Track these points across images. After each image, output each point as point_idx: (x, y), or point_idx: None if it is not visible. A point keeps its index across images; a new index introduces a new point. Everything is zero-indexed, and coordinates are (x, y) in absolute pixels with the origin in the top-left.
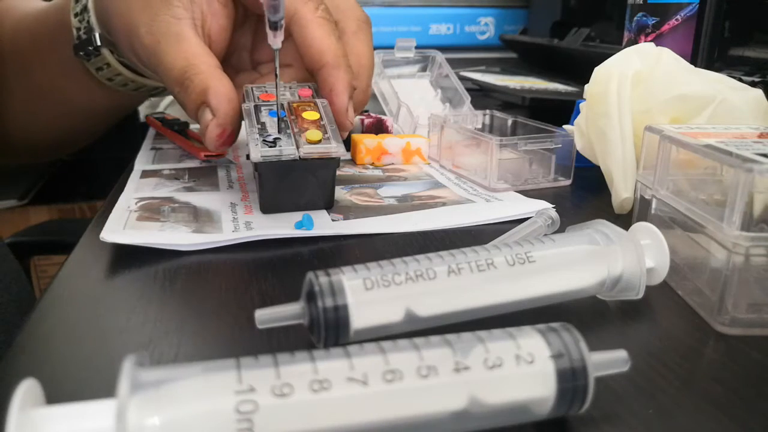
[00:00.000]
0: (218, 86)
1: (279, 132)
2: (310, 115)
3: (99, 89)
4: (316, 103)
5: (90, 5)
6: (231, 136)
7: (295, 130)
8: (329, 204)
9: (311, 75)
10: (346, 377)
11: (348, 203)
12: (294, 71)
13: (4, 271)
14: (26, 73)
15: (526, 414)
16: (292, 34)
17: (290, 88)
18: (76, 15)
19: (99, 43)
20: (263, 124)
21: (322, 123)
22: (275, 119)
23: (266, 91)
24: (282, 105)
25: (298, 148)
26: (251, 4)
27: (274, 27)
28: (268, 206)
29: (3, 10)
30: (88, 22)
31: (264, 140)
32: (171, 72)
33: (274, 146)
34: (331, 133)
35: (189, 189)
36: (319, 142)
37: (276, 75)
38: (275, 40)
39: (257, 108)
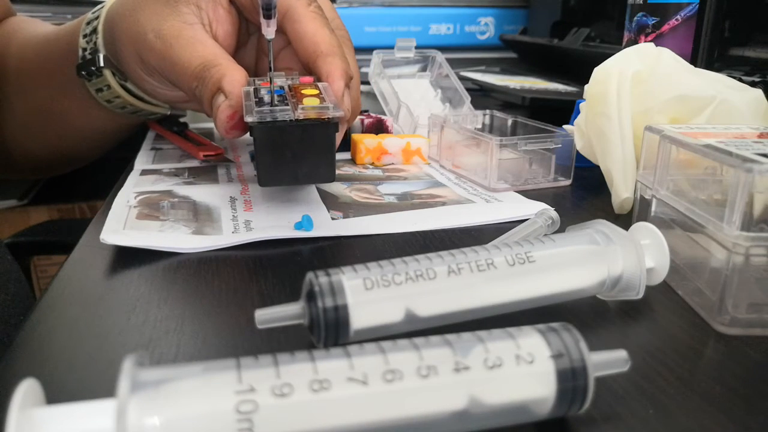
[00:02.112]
0: (234, 74)
1: (274, 102)
2: (310, 91)
3: (98, 111)
4: (316, 85)
5: (100, 28)
6: (242, 121)
7: (293, 101)
8: (330, 176)
9: (307, 70)
10: (346, 377)
11: (348, 200)
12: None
13: (1, 271)
14: (28, 93)
15: (526, 414)
16: (286, 30)
17: (292, 78)
18: (84, 36)
19: (102, 64)
20: (261, 99)
21: (321, 96)
22: (275, 96)
23: (267, 80)
24: (282, 87)
25: (294, 111)
26: (249, 10)
27: (268, 15)
28: (266, 178)
29: (11, 31)
30: (95, 43)
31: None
32: (188, 70)
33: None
34: (330, 103)
35: (188, 183)
36: (316, 108)
37: (270, 68)
38: (269, 29)
39: (256, 90)
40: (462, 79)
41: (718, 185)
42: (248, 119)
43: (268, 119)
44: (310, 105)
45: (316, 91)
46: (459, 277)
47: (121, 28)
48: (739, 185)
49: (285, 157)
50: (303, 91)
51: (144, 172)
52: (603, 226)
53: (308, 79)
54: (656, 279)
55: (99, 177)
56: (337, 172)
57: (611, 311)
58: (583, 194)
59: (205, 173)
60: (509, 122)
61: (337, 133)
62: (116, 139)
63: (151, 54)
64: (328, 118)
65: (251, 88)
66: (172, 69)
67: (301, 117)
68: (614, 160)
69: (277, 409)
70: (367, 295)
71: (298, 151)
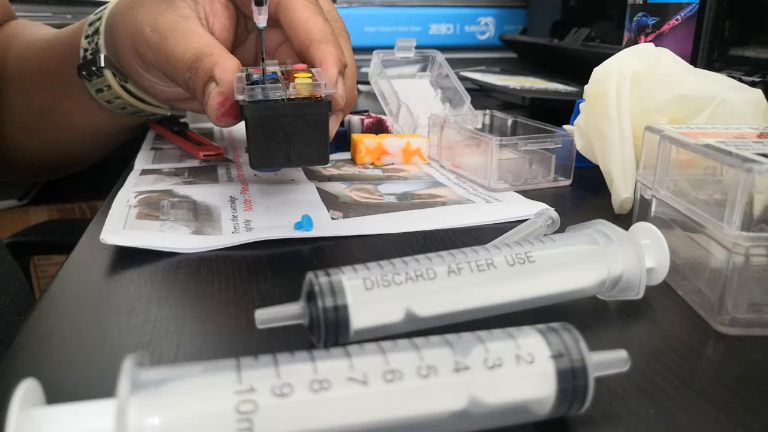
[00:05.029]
0: (226, 62)
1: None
2: (302, 75)
3: (98, 112)
4: (309, 70)
5: (102, 28)
6: (234, 108)
7: (285, 82)
8: (324, 158)
9: (301, 59)
10: (346, 377)
11: (348, 200)
12: None
13: (2, 271)
14: (29, 94)
15: (526, 414)
16: (279, 20)
17: (285, 66)
18: (86, 37)
19: (102, 64)
20: (254, 82)
21: (314, 78)
22: (267, 80)
23: (260, 69)
24: (275, 72)
25: (286, 91)
26: (246, 4)
27: (259, 2)
28: (258, 160)
29: (12, 34)
30: (96, 44)
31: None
32: (182, 61)
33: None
34: (323, 84)
35: (188, 183)
36: (308, 86)
37: (262, 59)
38: (260, 17)
39: (248, 75)
40: (462, 79)
41: (718, 185)
42: (239, 97)
43: (260, 97)
44: (302, 83)
45: (309, 75)
46: (459, 277)
47: (120, 26)
48: (739, 185)
49: (277, 137)
50: (296, 75)
51: (144, 172)
52: (603, 226)
53: (301, 66)
54: (656, 279)
55: (99, 177)
56: (337, 172)
57: (611, 311)
58: (583, 194)
59: (205, 173)
60: (509, 122)
61: (331, 114)
62: (116, 141)
63: (147, 48)
64: (321, 96)
65: (243, 74)
66: (167, 61)
67: (293, 95)
68: (614, 160)
69: (277, 409)
70: (367, 295)
71: (290, 131)
